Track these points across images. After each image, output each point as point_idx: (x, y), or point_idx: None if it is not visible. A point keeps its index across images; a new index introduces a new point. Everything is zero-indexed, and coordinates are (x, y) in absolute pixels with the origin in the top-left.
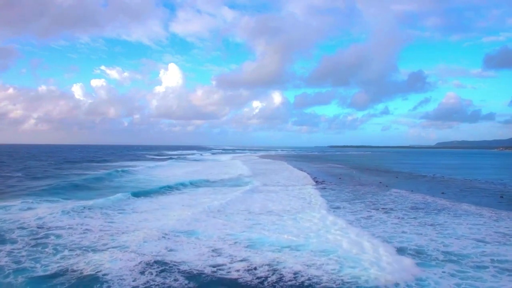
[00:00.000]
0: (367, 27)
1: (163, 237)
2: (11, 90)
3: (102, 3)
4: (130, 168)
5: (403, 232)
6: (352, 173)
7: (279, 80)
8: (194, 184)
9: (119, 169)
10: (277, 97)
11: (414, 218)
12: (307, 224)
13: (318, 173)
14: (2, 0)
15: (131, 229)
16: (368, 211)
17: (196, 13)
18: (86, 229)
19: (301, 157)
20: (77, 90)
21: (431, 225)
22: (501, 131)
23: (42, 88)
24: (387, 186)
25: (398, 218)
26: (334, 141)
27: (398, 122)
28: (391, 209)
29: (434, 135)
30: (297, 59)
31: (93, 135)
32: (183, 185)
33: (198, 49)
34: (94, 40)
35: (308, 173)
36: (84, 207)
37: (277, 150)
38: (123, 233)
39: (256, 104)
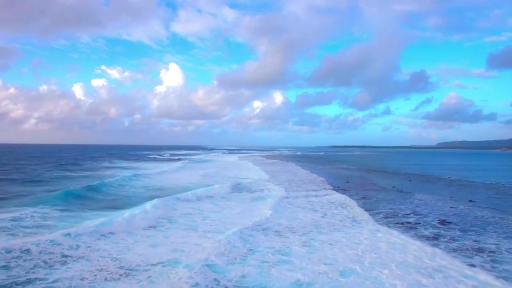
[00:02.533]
0: (368, 27)
1: (125, 273)
2: (12, 90)
3: (104, 2)
4: (143, 171)
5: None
6: (360, 175)
7: (281, 80)
8: (213, 193)
9: (129, 173)
10: (278, 97)
11: (450, 239)
12: (331, 254)
13: (326, 175)
14: None
15: (81, 254)
16: (387, 227)
17: (197, 12)
18: (25, 251)
19: (306, 158)
20: (77, 90)
21: (479, 251)
22: (502, 131)
23: (43, 87)
24: (402, 191)
25: (429, 238)
26: (334, 141)
27: (399, 122)
28: (417, 223)
29: (435, 135)
30: (299, 59)
31: (93, 135)
32: (199, 196)
33: (199, 49)
34: (95, 40)
35: (317, 175)
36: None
37: (280, 150)
38: (67, 261)
39: (257, 104)
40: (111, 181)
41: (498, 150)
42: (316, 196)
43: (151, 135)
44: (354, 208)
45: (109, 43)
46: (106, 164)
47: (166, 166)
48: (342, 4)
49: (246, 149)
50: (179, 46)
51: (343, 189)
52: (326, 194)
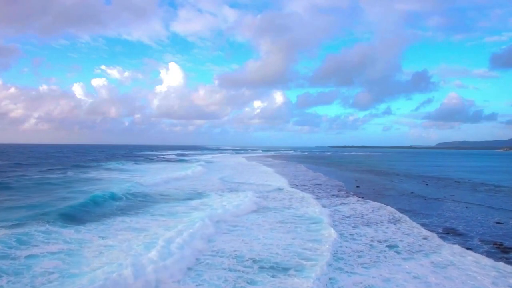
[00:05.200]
0: (370, 27)
1: None
2: (12, 90)
3: (105, 1)
4: (163, 177)
5: None
6: (370, 178)
7: (282, 79)
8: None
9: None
10: (279, 97)
11: None
12: None
13: (342, 179)
14: None
15: None
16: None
17: (197, 12)
18: None
19: (312, 158)
20: (78, 90)
21: None
22: (502, 131)
23: (43, 87)
24: (425, 198)
25: (500, 270)
26: (334, 141)
27: (399, 123)
28: (467, 249)
29: (435, 135)
30: (301, 59)
31: (93, 135)
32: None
33: (199, 49)
34: (95, 39)
35: (329, 178)
36: None
37: (283, 150)
38: None
39: (258, 104)
40: (122, 189)
41: (500, 150)
42: (352, 203)
43: (152, 135)
44: (407, 222)
45: (109, 43)
46: (114, 165)
47: (185, 169)
48: (344, 3)
49: (251, 149)
50: (180, 46)
51: (359, 195)
52: (357, 201)
